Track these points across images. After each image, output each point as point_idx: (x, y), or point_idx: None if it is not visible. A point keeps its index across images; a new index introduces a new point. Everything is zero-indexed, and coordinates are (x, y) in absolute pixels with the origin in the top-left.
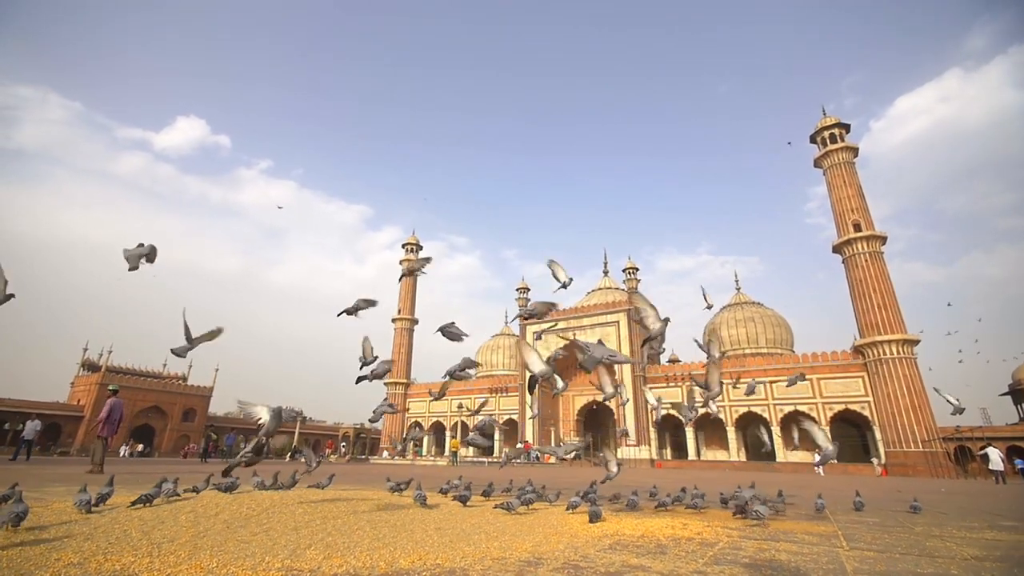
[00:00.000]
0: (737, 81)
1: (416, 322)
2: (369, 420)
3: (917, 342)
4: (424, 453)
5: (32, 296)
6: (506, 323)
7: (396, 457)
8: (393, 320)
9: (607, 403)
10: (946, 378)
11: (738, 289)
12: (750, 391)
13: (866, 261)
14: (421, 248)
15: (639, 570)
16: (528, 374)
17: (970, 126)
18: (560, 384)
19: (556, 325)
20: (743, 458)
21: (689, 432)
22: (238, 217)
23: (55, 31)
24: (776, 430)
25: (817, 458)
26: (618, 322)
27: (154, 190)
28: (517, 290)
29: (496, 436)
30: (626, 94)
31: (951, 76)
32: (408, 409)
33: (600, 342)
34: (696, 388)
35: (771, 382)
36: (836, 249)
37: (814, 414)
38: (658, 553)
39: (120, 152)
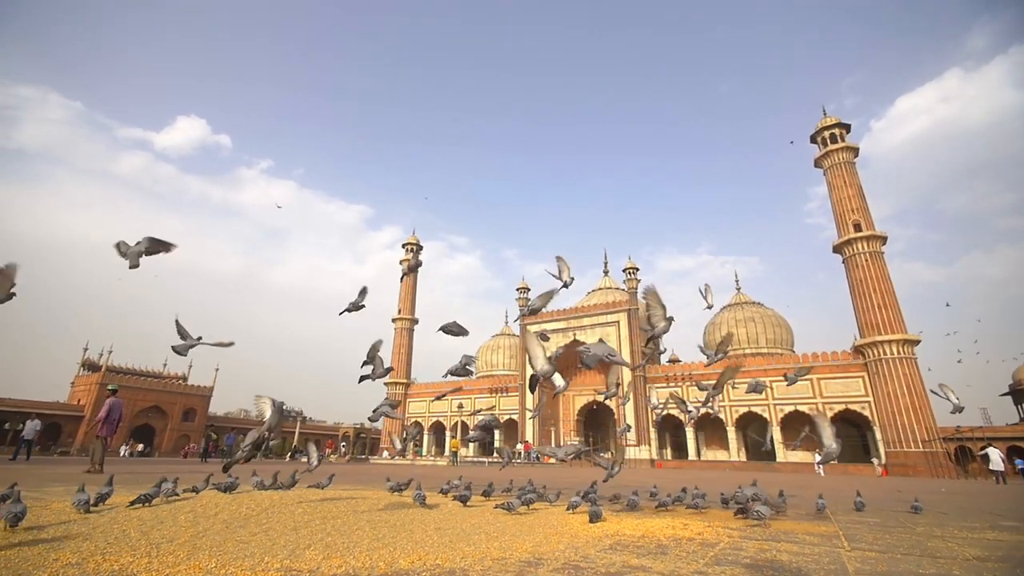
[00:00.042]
0: (737, 81)
1: (416, 322)
2: (369, 419)
3: (917, 342)
4: (424, 453)
5: (32, 296)
6: (506, 323)
7: (396, 457)
8: (393, 320)
9: (607, 403)
10: (946, 378)
11: (738, 289)
12: (751, 390)
13: (866, 261)
14: (421, 248)
15: (640, 570)
16: (529, 373)
17: (970, 126)
18: (561, 383)
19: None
20: (743, 458)
21: (689, 432)
22: (239, 217)
23: (55, 31)
24: (776, 430)
25: (818, 457)
26: (618, 322)
27: (155, 190)
28: (517, 290)
29: (497, 436)
30: (626, 94)
31: (951, 76)
32: (407, 409)
33: (601, 341)
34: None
35: (771, 382)
36: (836, 249)
37: (814, 414)
38: (659, 553)
39: (121, 152)
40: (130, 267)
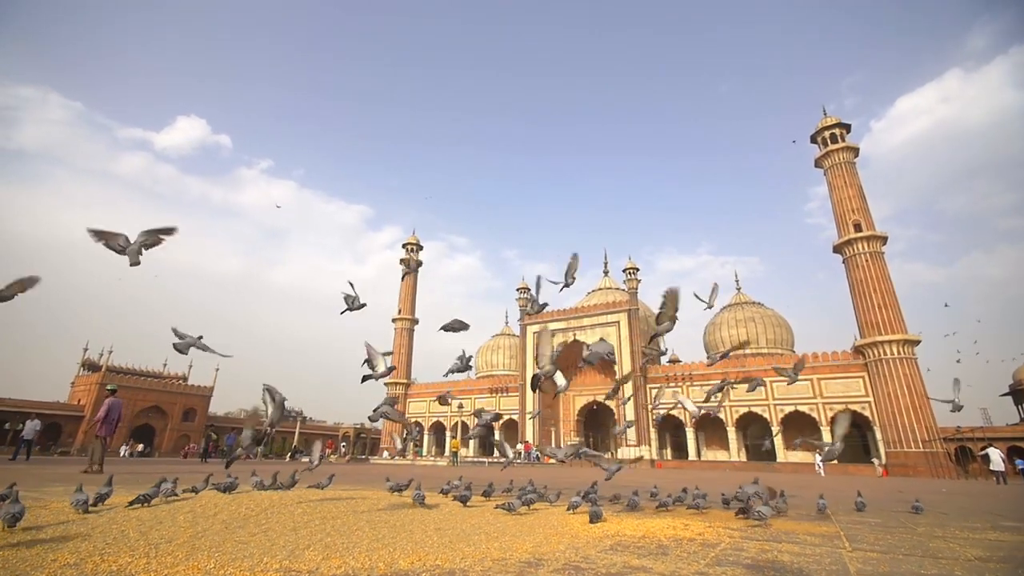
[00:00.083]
0: (737, 81)
1: (416, 322)
2: (369, 419)
3: (918, 342)
4: (424, 453)
5: (32, 296)
6: (506, 323)
7: (396, 457)
8: (393, 320)
9: (607, 403)
10: (946, 379)
11: (738, 289)
12: (751, 389)
13: (867, 261)
14: (421, 248)
15: (640, 571)
16: (530, 373)
17: (971, 126)
18: (562, 383)
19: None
20: (743, 458)
21: (689, 432)
22: (239, 217)
23: (55, 31)
24: (776, 429)
25: (818, 459)
26: (618, 322)
27: (155, 190)
28: (518, 290)
29: (497, 435)
30: (626, 94)
31: (951, 76)
32: (407, 410)
33: (602, 340)
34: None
35: (772, 382)
36: (837, 249)
37: (815, 414)
38: (659, 554)
39: (121, 152)
40: (131, 264)
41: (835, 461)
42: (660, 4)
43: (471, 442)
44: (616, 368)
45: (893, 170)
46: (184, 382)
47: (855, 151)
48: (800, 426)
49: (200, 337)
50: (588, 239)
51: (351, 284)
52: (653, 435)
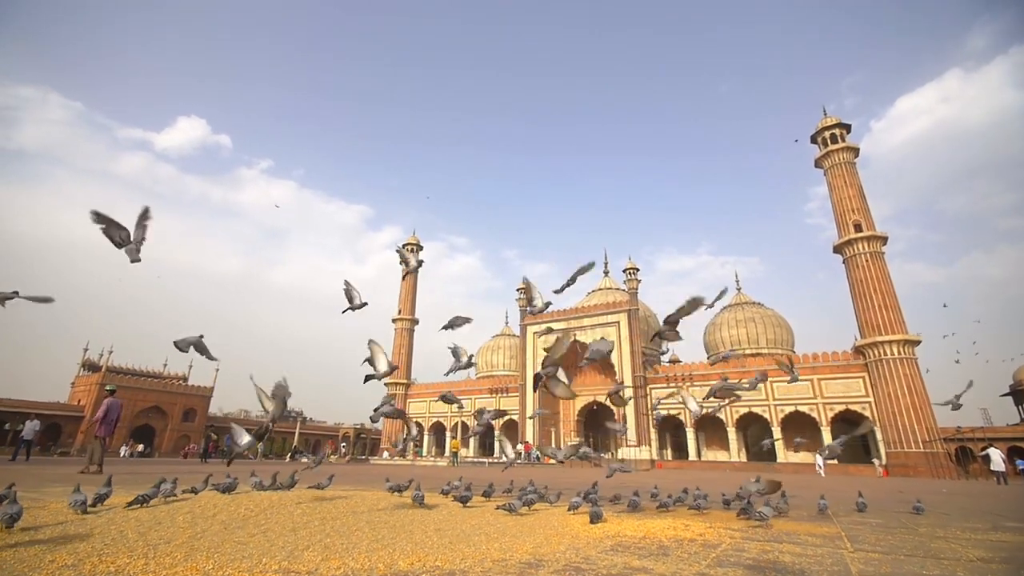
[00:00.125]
0: (737, 81)
1: (416, 322)
2: (370, 419)
3: (918, 342)
4: (424, 454)
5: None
6: (506, 323)
7: (396, 457)
8: (393, 320)
9: (607, 403)
10: (946, 379)
11: (739, 289)
12: (751, 387)
13: (867, 261)
14: (421, 248)
15: (641, 572)
16: (531, 374)
17: (971, 126)
18: (564, 381)
19: (551, 331)
20: (744, 459)
21: (689, 433)
22: (239, 217)
23: (55, 31)
24: (777, 430)
25: (819, 459)
26: (618, 322)
27: (155, 190)
28: (518, 290)
29: (497, 436)
30: (626, 94)
31: (952, 76)
32: (407, 409)
33: (602, 339)
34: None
35: (772, 382)
36: (837, 249)
37: (815, 415)
38: (660, 555)
39: (121, 152)
40: (131, 261)
41: (835, 461)
42: (660, 4)
43: (471, 442)
44: (616, 368)
45: (893, 170)
46: (184, 382)
47: (855, 151)
48: (800, 426)
49: (201, 336)
50: (588, 239)
51: (348, 283)
52: (653, 435)
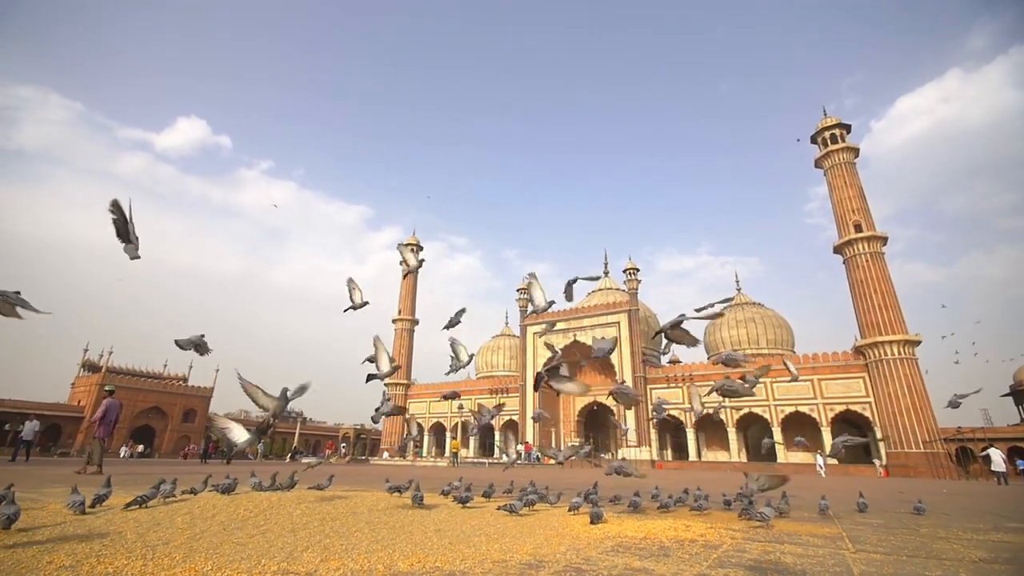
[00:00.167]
0: (737, 81)
1: (416, 323)
2: (372, 419)
3: (918, 343)
4: (424, 454)
5: (32, 296)
6: (506, 323)
7: (396, 458)
8: (393, 321)
9: (607, 403)
10: (946, 379)
11: (739, 290)
12: (753, 385)
13: (867, 262)
14: (421, 248)
15: (642, 573)
16: (531, 374)
17: (971, 126)
18: (568, 376)
19: (555, 327)
20: (744, 459)
21: (690, 433)
22: (239, 218)
23: (55, 31)
24: (777, 431)
25: (819, 459)
26: (619, 323)
27: (155, 191)
28: (518, 290)
29: (497, 437)
30: (626, 94)
31: (952, 76)
32: (408, 408)
33: (602, 338)
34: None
35: (772, 382)
36: (837, 250)
37: (815, 415)
38: (661, 555)
39: (121, 152)
40: (131, 259)
41: (836, 462)
42: (660, 4)
43: (471, 443)
44: (616, 368)
45: (893, 170)
46: (184, 383)
47: (855, 151)
48: (801, 427)
49: (202, 335)
50: (588, 239)
51: (352, 281)
52: (653, 436)
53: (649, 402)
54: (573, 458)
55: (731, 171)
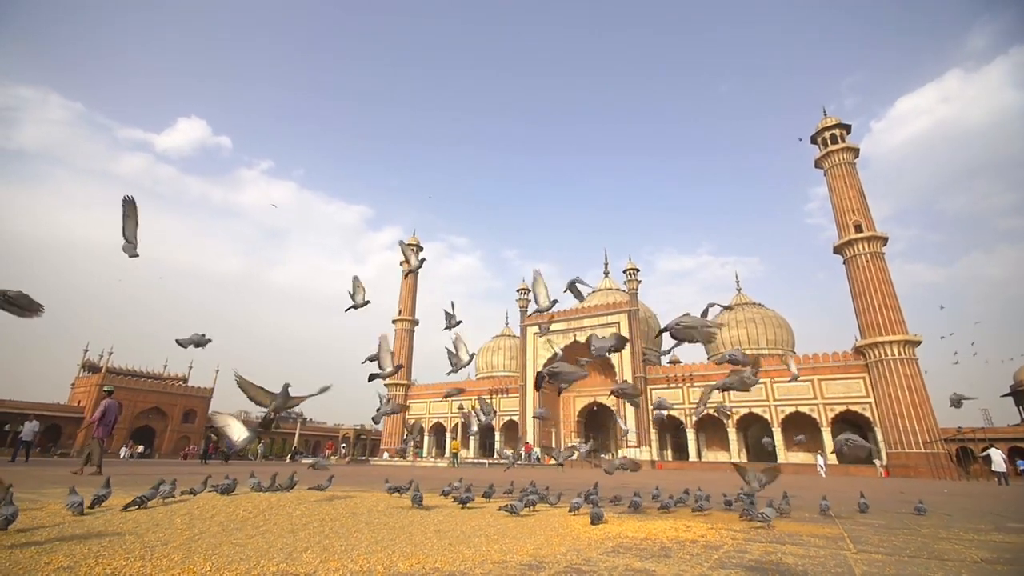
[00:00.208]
0: (737, 81)
1: (416, 323)
2: (373, 420)
3: (918, 343)
4: (424, 455)
5: (32, 296)
6: (506, 324)
7: (396, 458)
8: (393, 321)
9: (607, 404)
10: (946, 380)
11: (739, 290)
12: (752, 380)
13: (867, 262)
14: (421, 249)
15: (643, 574)
16: (531, 374)
17: (971, 126)
18: (569, 369)
19: (550, 327)
20: (744, 459)
21: (690, 433)
22: (239, 218)
23: (55, 31)
24: (777, 431)
25: (820, 460)
26: (619, 323)
27: (155, 191)
28: (518, 291)
29: (497, 437)
30: (626, 94)
31: (952, 76)
32: (408, 408)
33: (602, 337)
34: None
35: (772, 382)
36: (837, 250)
37: (815, 415)
38: (662, 556)
39: (121, 152)
40: (130, 256)
41: (836, 462)
42: (660, 4)
43: (471, 443)
44: (616, 368)
45: (893, 170)
46: (184, 383)
47: (855, 151)
48: (801, 427)
49: (203, 335)
50: (588, 239)
51: (357, 279)
52: (654, 436)
53: (649, 402)
54: (573, 457)
55: (731, 171)
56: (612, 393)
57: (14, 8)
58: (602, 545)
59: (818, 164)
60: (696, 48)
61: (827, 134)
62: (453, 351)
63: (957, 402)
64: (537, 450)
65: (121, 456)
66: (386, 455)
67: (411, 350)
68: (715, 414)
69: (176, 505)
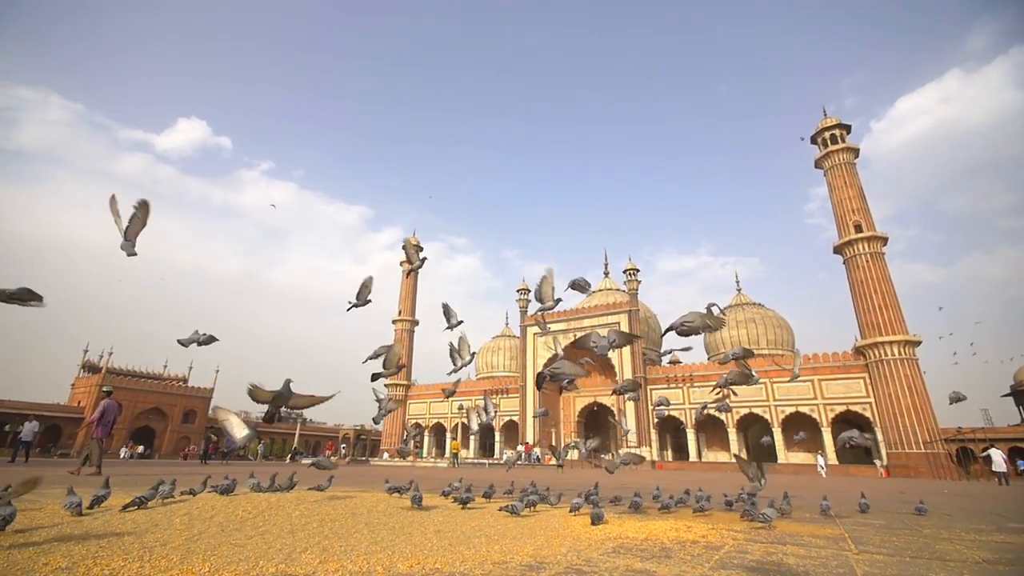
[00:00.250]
0: (737, 81)
1: (416, 323)
2: (373, 420)
3: (919, 343)
4: (424, 455)
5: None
6: (507, 324)
7: (396, 458)
8: (394, 321)
9: (607, 404)
10: (946, 380)
11: (739, 290)
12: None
13: (867, 262)
14: (421, 249)
15: (644, 574)
16: (531, 374)
17: (971, 127)
18: (571, 366)
19: (547, 325)
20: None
21: (690, 433)
22: (239, 218)
23: (55, 31)
24: (777, 431)
25: (820, 460)
26: (619, 323)
27: (155, 191)
28: (518, 291)
29: (497, 438)
30: (626, 94)
31: (952, 77)
32: (408, 409)
33: (599, 335)
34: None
35: (772, 382)
36: (837, 250)
37: (815, 415)
38: (663, 557)
39: (121, 153)
40: (128, 255)
41: (836, 462)
42: (660, 4)
43: (471, 443)
44: (616, 368)
45: (893, 170)
46: (184, 384)
47: (855, 152)
48: (801, 427)
49: (204, 334)
50: (588, 239)
51: (369, 280)
52: (654, 436)
53: (649, 402)
54: (575, 456)
55: (731, 171)
56: (615, 392)
57: (14, 8)
58: (603, 546)
59: (818, 164)
60: (696, 48)
61: (827, 134)
62: (456, 348)
63: (957, 398)
64: (537, 450)
65: (121, 456)
66: (386, 455)
67: (411, 351)
68: (716, 413)
69: (175, 506)
